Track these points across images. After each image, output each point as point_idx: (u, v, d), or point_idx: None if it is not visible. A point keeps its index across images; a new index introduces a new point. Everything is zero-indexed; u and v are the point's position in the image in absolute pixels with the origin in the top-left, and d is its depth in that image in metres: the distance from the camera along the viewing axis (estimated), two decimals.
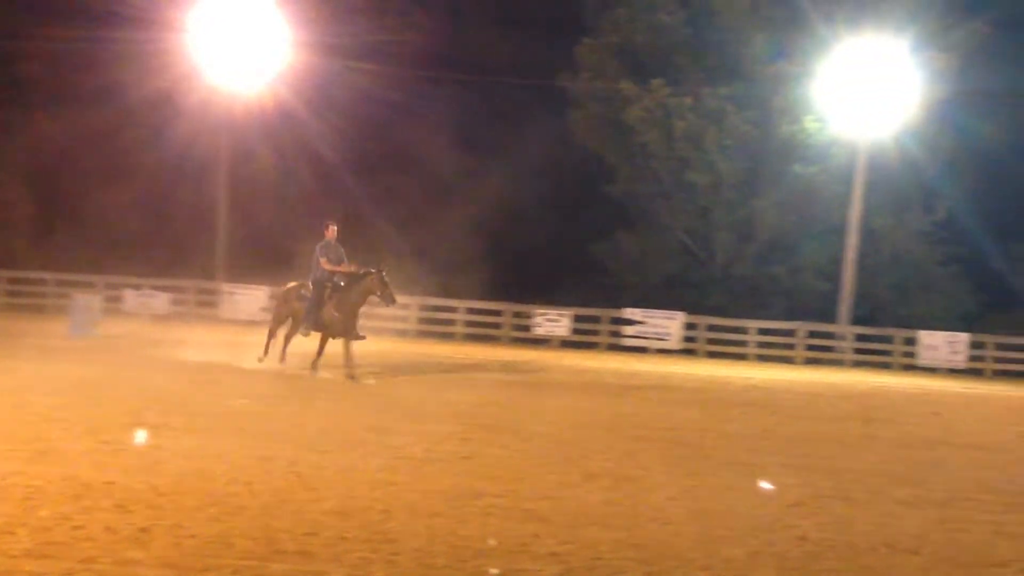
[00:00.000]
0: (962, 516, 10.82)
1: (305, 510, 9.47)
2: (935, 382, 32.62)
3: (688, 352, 37.75)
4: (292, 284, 22.76)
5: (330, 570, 7.72)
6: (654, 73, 43.37)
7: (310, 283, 21.91)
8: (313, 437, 13.39)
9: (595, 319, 38.71)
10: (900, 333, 38.74)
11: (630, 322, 38.41)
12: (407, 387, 20.14)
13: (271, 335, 22.48)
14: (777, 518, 10.21)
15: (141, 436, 11.91)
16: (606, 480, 11.68)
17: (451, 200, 42.94)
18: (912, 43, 39.01)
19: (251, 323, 35.62)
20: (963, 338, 38.10)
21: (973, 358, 37.82)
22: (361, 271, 21.63)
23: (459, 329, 38.39)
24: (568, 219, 45.69)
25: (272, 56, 39.43)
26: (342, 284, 21.61)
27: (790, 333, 38.78)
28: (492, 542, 8.71)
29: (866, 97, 38.84)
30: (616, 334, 38.37)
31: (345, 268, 21.61)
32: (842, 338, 39.05)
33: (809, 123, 42.43)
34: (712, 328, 38.71)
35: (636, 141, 44.04)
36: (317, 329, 21.73)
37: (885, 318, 41.72)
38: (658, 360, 34.48)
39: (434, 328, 37.12)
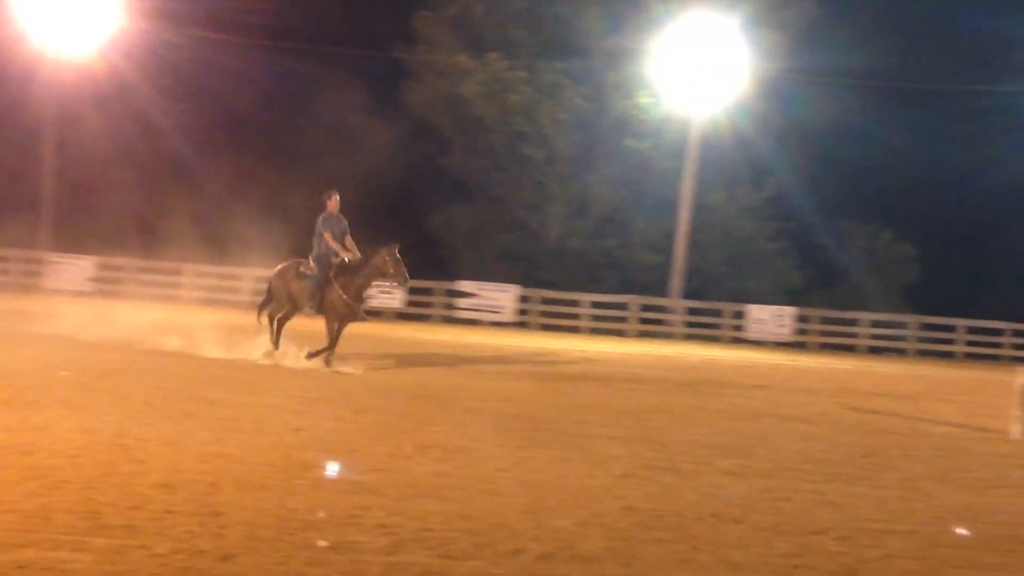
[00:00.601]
0: (786, 486, 11.05)
1: (130, 483, 9.27)
2: (762, 355, 33.32)
3: (522, 325, 37.98)
4: (286, 263, 20.73)
5: (155, 544, 7.58)
6: (491, 46, 43.40)
7: (311, 260, 19.95)
8: (139, 409, 13.13)
9: (429, 291, 38.68)
10: (729, 307, 39.53)
11: (464, 295, 38.48)
12: (239, 359, 19.84)
13: (275, 323, 20.27)
14: (606, 489, 10.30)
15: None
16: (438, 452, 11.67)
17: (289, 171, 42.44)
18: (743, 21, 39.68)
19: (77, 293, 34.95)
20: (790, 312, 39.07)
21: (799, 331, 38.83)
22: (369, 249, 19.73)
23: None
24: (404, 191, 45.44)
25: (103, 20, 38.56)
26: (347, 262, 19.73)
27: (623, 307, 39.23)
28: (321, 514, 8.64)
29: (698, 74, 39.46)
30: (450, 306, 38.43)
31: (351, 252, 19.69)
32: (673, 312, 39.67)
33: (643, 99, 42.91)
34: (546, 301, 39.02)
35: (472, 114, 44.05)
36: (320, 312, 19.88)
37: (715, 292, 42.48)
38: (492, 333, 34.60)
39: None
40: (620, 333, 37.98)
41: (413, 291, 38.37)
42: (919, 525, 9.64)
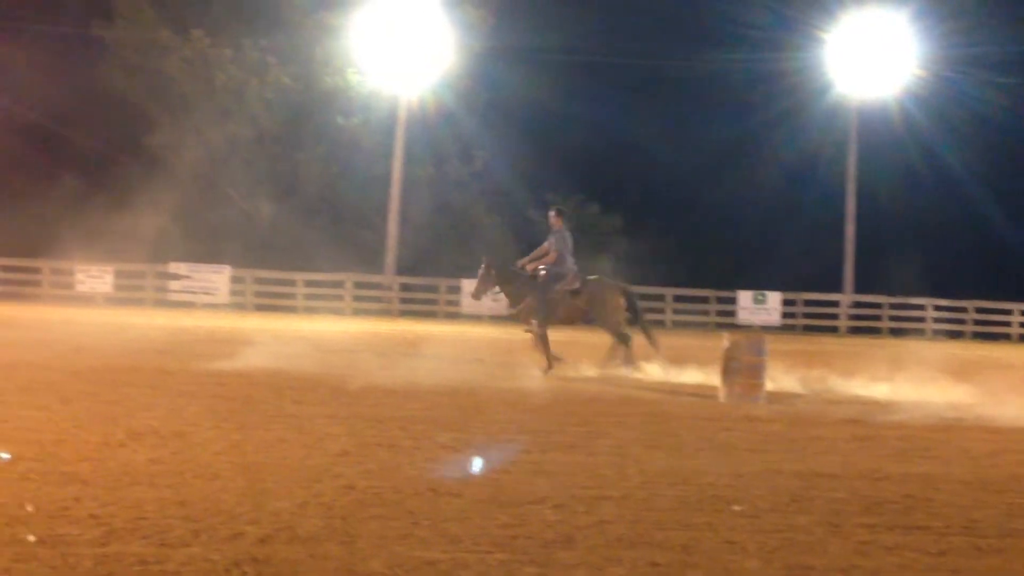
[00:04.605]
0: (503, 457, 11.20)
1: None
2: (477, 329, 33.68)
3: (237, 306, 37.53)
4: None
5: None
6: (192, 23, 42.68)
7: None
8: None
9: (140, 275, 37.85)
10: (444, 282, 39.87)
11: (176, 277, 37.79)
12: None
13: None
14: (325, 468, 10.24)
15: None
16: (152, 438, 11.40)
17: None
18: None
19: None
20: None
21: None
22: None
23: None
24: (104, 171, 44.11)
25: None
26: None
27: (338, 284, 39.19)
28: (29, 508, 8.34)
29: (404, 50, 39.62)
30: (162, 289, 37.70)
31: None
32: (388, 288, 39.78)
33: (350, 75, 42.90)
34: (259, 281, 38.65)
35: (176, 92, 43.26)
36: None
37: (429, 267, 42.83)
38: (206, 315, 34.07)
39: None
40: (336, 311, 37.91)
41: (122, 275, 37.62)
42: (631, 490, 9.88)
